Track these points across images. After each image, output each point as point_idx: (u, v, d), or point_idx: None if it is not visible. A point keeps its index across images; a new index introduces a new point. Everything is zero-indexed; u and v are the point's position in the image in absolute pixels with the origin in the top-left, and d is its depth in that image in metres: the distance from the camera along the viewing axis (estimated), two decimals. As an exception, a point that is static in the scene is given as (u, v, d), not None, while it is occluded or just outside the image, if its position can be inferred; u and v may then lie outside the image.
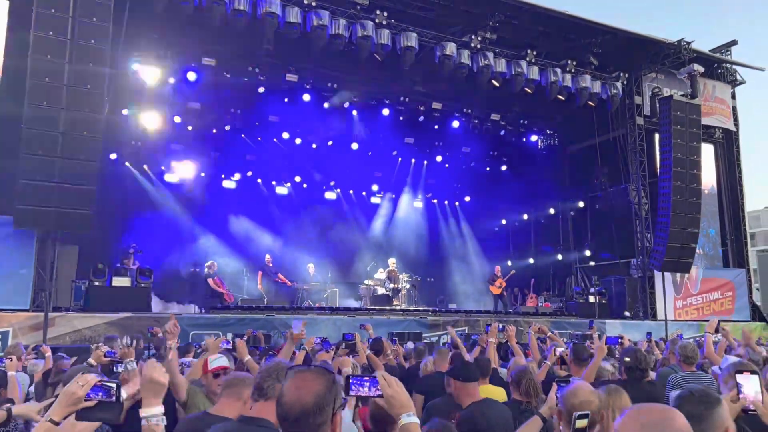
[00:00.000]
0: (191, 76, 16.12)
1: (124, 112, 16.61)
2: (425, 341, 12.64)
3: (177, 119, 17.57)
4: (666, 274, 17.26)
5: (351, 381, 1.99)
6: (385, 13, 14.08)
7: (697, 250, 17.51)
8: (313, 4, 13.28)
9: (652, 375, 4.92)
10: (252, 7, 12.82)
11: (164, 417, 2.35)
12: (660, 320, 16.99)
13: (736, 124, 20.12)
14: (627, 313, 17.36)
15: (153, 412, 2.34)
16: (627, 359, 4.60)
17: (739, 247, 19.75)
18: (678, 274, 17.73)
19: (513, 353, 6.74)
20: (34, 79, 10.38)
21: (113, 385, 2.31)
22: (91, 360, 5.42)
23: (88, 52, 10.73)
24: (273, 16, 12.87)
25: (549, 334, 7.22)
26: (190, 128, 17.97)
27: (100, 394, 2.28)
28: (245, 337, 9.13)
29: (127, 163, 17.81)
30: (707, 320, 15.88)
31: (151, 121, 16.73)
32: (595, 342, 6.33)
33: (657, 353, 7.32)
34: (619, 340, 6.28)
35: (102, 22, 10.86)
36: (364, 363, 6.48)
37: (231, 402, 3.17)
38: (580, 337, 12.13)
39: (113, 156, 17.22)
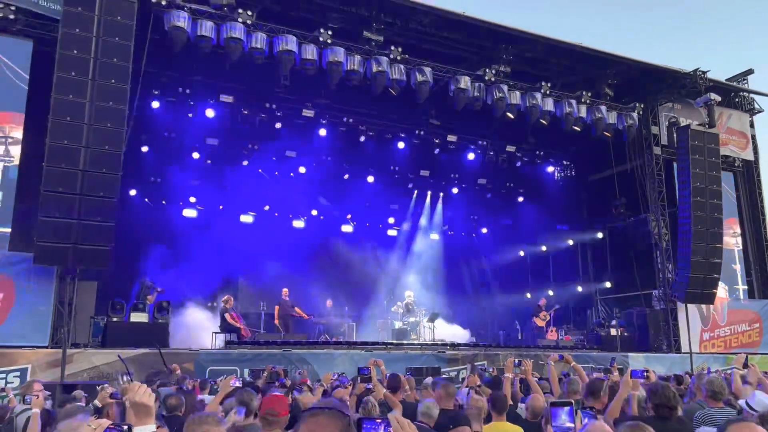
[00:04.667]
0: (209, 112, 16.45)
1: (144, 149, 16.92)
2: (444, 376, 12.44)
3: (195, 155, 17.82)
4: (691, 305, 16.91)
5: (363, 424, 1.92)
6: (400, 49, 14.27)
7: (721, 287, 17.19)
8: (329, 41, 13.50)
9: (680, 411, 4.76)
10: (269, 46, 13.07)
11: None
12: (684, 353, 16.59)
13: (756, 153, 19.90)
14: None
15: (145, 430, 2.37)
16: (654, 397, 4.44)
17: (764, 278, 19.31)
18: (704, 306, 17.35)
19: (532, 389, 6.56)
20: (56, 118, 10.59)
21: (125, 427, 2.29)
22: (96, 402, 5.37)
23: (109, 92, 10.94)
24: (289, 54, 13.10)
25: (573, 364, 6.98)
26: (208, 162, 18.21)
27: None
28: (265, 373, 9.03)
29: (146, 199, 18.03)
30: (734, 353, 15.49)
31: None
32: (614, 377, 6.17)
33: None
34: (645, 374, 6.10)
35: (122, 62, 11.10)
36: (381, 398, 6.34)
37: None
38: (602, 371, 11.87)
39: (132, 192, 17.46)
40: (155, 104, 15.83)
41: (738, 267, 18.90)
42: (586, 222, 22.29)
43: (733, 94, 19.80)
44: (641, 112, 17.44)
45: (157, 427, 2.47)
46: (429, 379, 9.94)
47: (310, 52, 13.35)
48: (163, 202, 18.36)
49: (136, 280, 15.79)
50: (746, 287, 18.98)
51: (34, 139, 11.46)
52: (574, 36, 16.39)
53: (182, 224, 18.26)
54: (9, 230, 11.56)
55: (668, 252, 17.55)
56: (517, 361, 6.83)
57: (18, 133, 11.79)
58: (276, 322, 16.79)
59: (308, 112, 17.24)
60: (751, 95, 20.09)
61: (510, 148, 20.29)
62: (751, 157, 19.72)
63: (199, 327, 16.21)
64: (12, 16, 11.68)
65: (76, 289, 11.94)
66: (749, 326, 18.21)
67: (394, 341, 16.09)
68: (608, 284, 21.07)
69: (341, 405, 4.71)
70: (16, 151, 11.76)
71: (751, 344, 17.77)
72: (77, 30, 10.86)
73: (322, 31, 13.50)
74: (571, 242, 22.61)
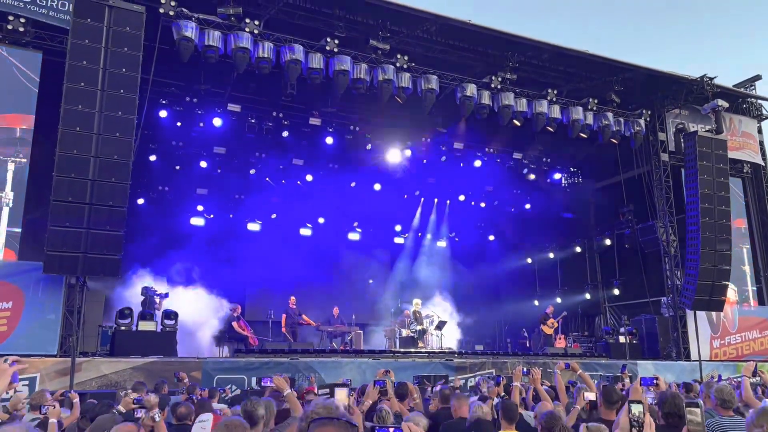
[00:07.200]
0: (217, 121, 16.53)
1: (152, 158, 17.04)
2: (452, 384, 12.39)
3: (203, 164, 17.92)
4: (701, 312, 16.80)
5: (376, 430, 1.94)
6: (406, 57, 14.31)
7: (731, 288, 17.06)
8: (335, 50, 13.57)
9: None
10: (276, 55, 13.14)
11: None
12: (694, 360, 16.47)
13: (764, 158, 19.82)
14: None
15: None
16: (665, 405, 4.41)
17: (773, 284, 19.17)
18: (714, 313, 17.23)
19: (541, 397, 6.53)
20: (66, 128, 10.67)
21: None
22: (120, 407, 5.40)
23: (118, 102, 11.01)
24: (296, 63, 13.16)
25: (579, 372, 6.94)
26: (219, 171, 18.31)
27: None
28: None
29: (154, 208, 18.13)
30: (745, 361, 15.38)
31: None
32: (627, 384, 6.13)
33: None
34: (655, 381, 6.05)
35: (131, 72, 11.18)
36: (397, 411, 6.30)
37: None
38: (611, 379, 11.81)
39: (141, 201, 17.56)
40: (163, 113, 15.93)
41: (747, 268, 18.79)
42: (594, 229, 22.23)
43: (741, 100, 19.74)
44: (648, 119, 17.39)
45: None
46: (438, 386, 9.93)
47: (317, 60, 13.41)
48: (171, 210, 18.44)
49: (144, 289, 15.84)
50: (755, 289, 18.85)
51: (43, 145, 11.55)
52: (580, 43, 16.38)
53: (190, 233, 18.33)
54: (19, 230, 11.62)
55: (677, 259, 17.46)
56: (525, 369, 6.80)
57: (28, 135, 11.85)
58: (283, 330, 16.81)
59: (315, 121, 17.30)
60: (759, 101, 20.02)
61: (517, 156, 20.31)
62: (760, 162, 19.63)
63: (205, 335, 16.26)
64: (22, 29, 11.79)
65: (85, 297, 11.99)
66: (760, 333, 18.07)
67: (402, 349, 16.06)
68: (616, 291, 20.99)
69: (348, 416, 4.66)
70: (27, 153, 11.82)
71: (764, 351, 17.63)
72: (86, 41, 10.95)
73: (328, 40, 13.56)
74: (578, 249, 22.55)
